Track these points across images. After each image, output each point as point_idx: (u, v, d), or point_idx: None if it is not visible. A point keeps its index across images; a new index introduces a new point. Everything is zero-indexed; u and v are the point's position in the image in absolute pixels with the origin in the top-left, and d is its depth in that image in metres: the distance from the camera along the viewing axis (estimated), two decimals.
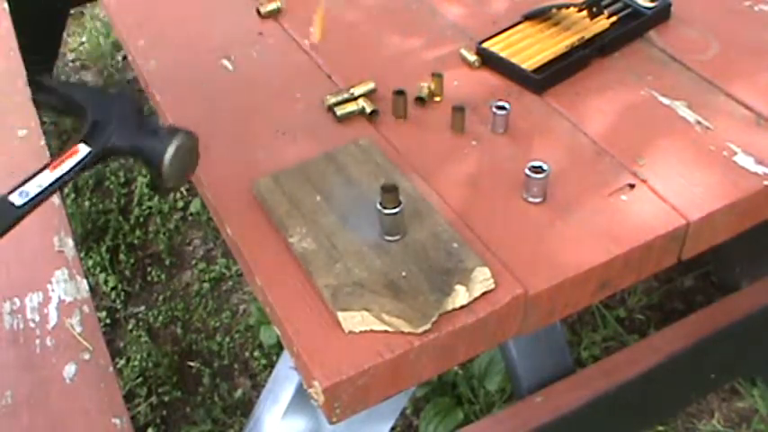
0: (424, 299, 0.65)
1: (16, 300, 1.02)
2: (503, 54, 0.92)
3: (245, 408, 1.61)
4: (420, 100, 0.88)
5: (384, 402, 0.67)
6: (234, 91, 0.94)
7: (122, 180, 2.13)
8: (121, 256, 1.94)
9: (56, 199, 1.19)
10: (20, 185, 0.67)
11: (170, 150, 0.64)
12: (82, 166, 0.68)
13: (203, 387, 1.67)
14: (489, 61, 0.93)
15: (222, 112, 0.92)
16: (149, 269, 1.91)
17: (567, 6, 0.96)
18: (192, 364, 1.71)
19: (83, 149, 0.69)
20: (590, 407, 1.05)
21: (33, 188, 0.68)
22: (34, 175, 0.68)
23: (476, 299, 0.66)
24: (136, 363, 1.70)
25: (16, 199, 0.67)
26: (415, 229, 0.71)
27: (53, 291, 1.02)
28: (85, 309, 1.01)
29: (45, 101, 0.92)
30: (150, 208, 2.04)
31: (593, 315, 1.66)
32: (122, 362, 1.70)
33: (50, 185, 0.68)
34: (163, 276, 1.90)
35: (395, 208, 0.69)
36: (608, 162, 0.80)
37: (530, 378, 1.12)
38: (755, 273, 1.41)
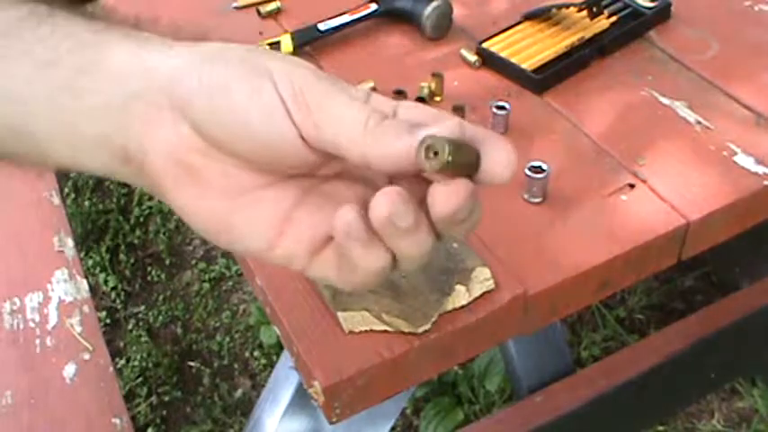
0: (424, 299, 0.65)
1: (16, 300, 1.02)
2: (503, 54, 0.92)
3: (245, 408, 1.61)
4: (421, 100, 0.88)
5: (384, 402, 0.67)
6: None
7: None
8: (121, 256, 1.94)
9: (56, 199, 1.19)
10: (325, 20, 0.97)
11: (429, 8, 0.96)
12: (370, 16, 0.99)
13: (203, 387, 1.67)
14: (489, 61, 0.93)
15: None
16: (149, 269, 1.91)
17: (567, 6, 0.96)
18: (192, 364, 1.71)
19: (373, 6, 0.99)
20: (590, 407, 1.05)
21: (334, 22, 0.97)
22: (336, 15, 0.97)
23: (476, 299, 0.66)
24: (136, 363, 1.70)
25: (321, 26, 0.97)
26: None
27: (53, 291, 1.03)
28: (85, 309, 1.01)
29: None
30: (150, 208, 2.04)
31: (593, 315, 1.66)
32: (122, 362, 1.70)
33: (346, 23, 0.97)
34: (163, 276, 1.90)
35: None
36: (608, 162, 0.80)
37: (530, 378, 1.12)
38: (755, 273, 1.41)
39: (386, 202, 0.36)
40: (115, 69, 0.40)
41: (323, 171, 0.41)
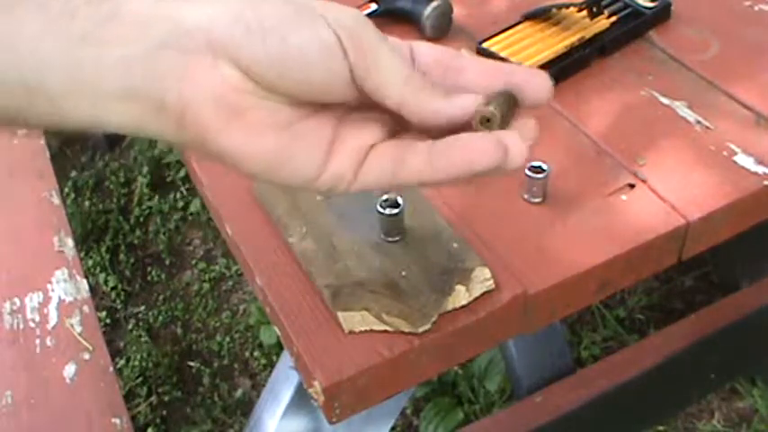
0: (425, 299, 0.65)
1: (16, 300, 1.02)
2: (503, 54, 0.92)
3: (245, 408, 1.61)
4: None
5: (384, 402, 0.67)
6: None
7: (122, 180, 2.13)
8: (121, 256, 1.94)
9: (56, 199, 1.19)
10: None
11: (429, 8, 0.95)
12: (370, 16, 0.93)
13: (203, 387, 1.67)
14: None
15: None
16: (149, 269, 1.91)
17: (567, 6, 0.96)
18: (192, 364, 1.72)
19: (373, 6, 0.98)
20: (590, 407, 1.05)
21: None
22: None
23: (476, 299, 0.66)
24: (136, 363, 1.70)
25: None
26: (414, 229, 0.71)
27: (53, 291, 1.02)
28: (85, 309, 1.01)
29: None
30: (150, 208, 2.04)
31: (593, 315, 1.66)
32: (122, 362, 1.70)
33: None
34: (163, 276, 1.90)
35: (395, 209, 0.69)
36: (608, 162, 0.80)
37: (530, 378, 1.12)
38: (755, 273, 1.41)
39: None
40: (136, 19, 0.39)
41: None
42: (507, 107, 0.42)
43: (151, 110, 0.40)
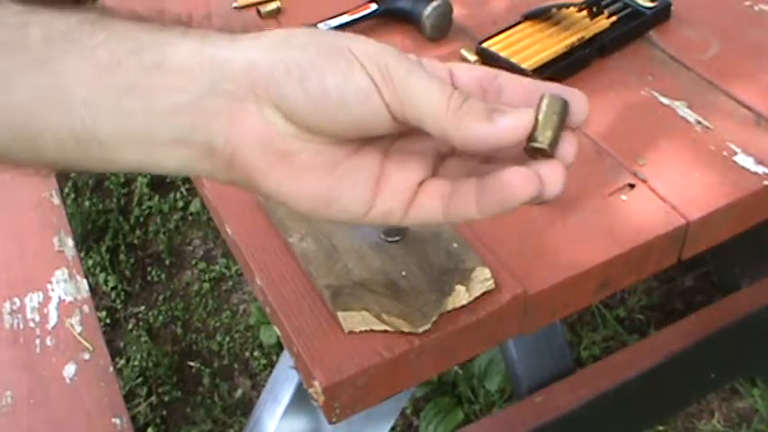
0: (424, 299, 0.65)
1: (16, 300, 1.02)
2: (503, 54, 0.92)
3: (245, 408, 1.61)
4: None
5: (384, 402, 0.67)
6: None
7: (122, 180, 2.13)
8: (121, 256, 1.94)
9: (56, 199, 1.19)
10: (325, 20, 0.96)
11: (429, 8, 0.95)
12: (370, 16, 0.98)
13: (203, 387, 1.67)
14: (489, 61, 0.93)
15: None
16: (149, 269, 1.91)
17: (567, 6, 0.96)
18: (192, 364, 1.72)
19: (373, 6, 0.99)
20: (590, 407, 1.05)
21: (334, 22, 0.97)
22: (336, 15, 0.97)
23: (476, 299, 0.66)
24: (136, 363, 1.70)
25: (321, 26, 0.95)
26: (415, 229, 0.71)
27: (53, 291, 1.02)
28: (85, 309, 1.01)
29: None
30: (150, 208, 2.04)
31: (593, 315, 1.66)
32: (122, 362, 1.70)
33: (346, 23, 0.96)
34: (163, 276, 1.90)
35: None
36: (608, 162, 0.80)
37: (530, 378, 1.12)
38: (755, 273, 1.41)
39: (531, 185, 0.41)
40: (181, 67, 0.40)
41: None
42: (558, 124, 0.41)
43: (201, 154, 0.41)
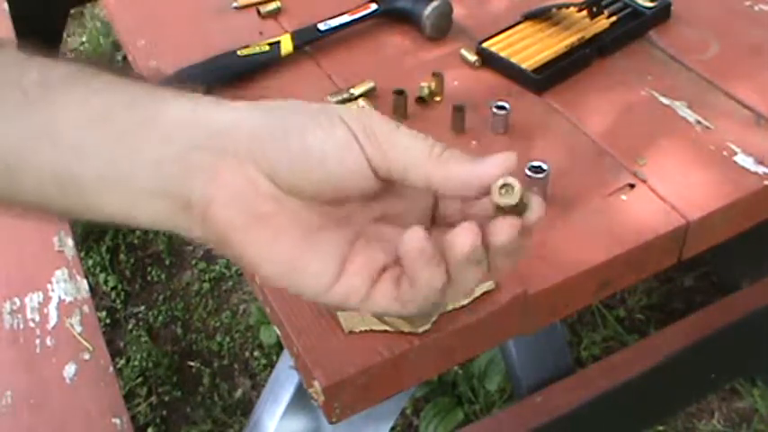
0: None
1: (16, 300, 1.02)
2: (503, 54, 0.92)
3: (245, 408, 1.61)
4: (421, 100, 0.88)
5: (384, 402, 0.67)
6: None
7: None
8: (121, 256, 1.94)
9: None
10: (325, 20, 0.97)
11: (429, 8, 0.96)
12: (370, 16, 0.99)
13: (203, 387, 1.67)
14: (489, 61, 0.93)
15: None
16: (149, 269, 1.91)
17: (567, 6, 0.96)
18: (192, 364, 1.71)
19: (373, 6, 0.99)
20: (590, 407, 1.05)
21: (334, 22, 0.97)
22: (336, 15, 0.98)
23: (476, 299, 0.66)
24: (136, 363, 1.70)
25: (321, 26, 0.97)
26: None
27: (53, 291, 1.02)
28: (85, 309, 1.01)
29: None
30: None
31: (593, 315, 1.66)
32: (122, 362, 1.70)
33: (346, 23, 0.98)
34: (163, 276, 1.90)
35: None
36: (608, 162, 0.80)
37: (530, 378, 1.12)
38: (755, 273, 1.41)
39: (470, 236, 0.40)
40: (172, 123, 0.41)
41: (369, 214, 0.44)
42: (525, 197, 0.41)
43: (178, 208, 0.42)
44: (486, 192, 0.40)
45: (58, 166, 0.41)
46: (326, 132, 0.41)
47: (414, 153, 0.41)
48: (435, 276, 0.40)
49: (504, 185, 0.40)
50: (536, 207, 0.41)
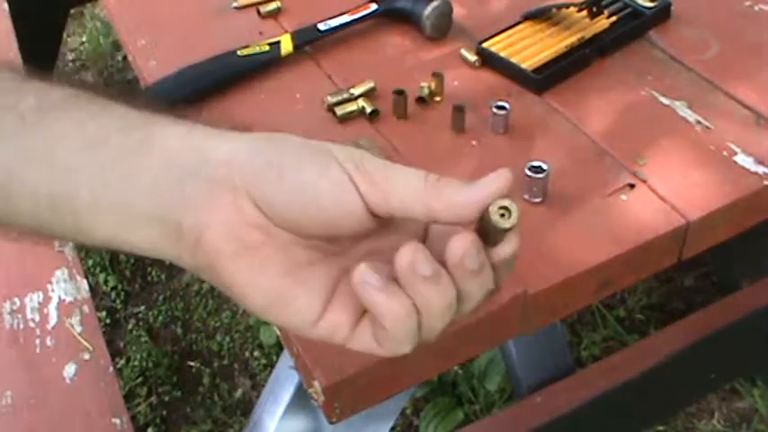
0: None
1: (16, 300, 1.02)
2: (503, 54, 0.92)
3: (245, 408, 1.61)
4: (421, 100, 0.88)
5: (384, 402, 0.67)
6: None
7: None
8: (121, 256, 1.94)
9: None
10: (325, 20, 0.98)
11: (428, 8, 0.96)
12: (370, 16, 0.99)
13: (203, 387, 1.67)
14: (489, 61, 0.93)
15: None
16: (149, 269, 1.91)
17: (567, 6, 0.96)
18: (192, 363, 1.71)
19: (373, 6, 0.99)
20: (590, 407, 1.05)
21: (334, 22, 0.98)
22: (336, 15, 0.98)
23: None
24: (136, 363, 1.70)
25: (321, 26, 0.97)
26: None
27: (53, 291, 1.02)
28: (85, 309, 1.01)
29: None
30: None
31: (593, 315, 1.66)
32: (122, 362, 1.70)
33: (346, 23, 0.98)
34: (163, 276, 1.90)
35: None
36: (608, 162, 0.80)
37: (530, 378, 1.12)
38: (755, 273, 1.41)
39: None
40: (168, 149, 0.41)
41: (359, 249, 0.44)
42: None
43: (170, 234, 0.42)
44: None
45: (53, 189, 0.42)
46: (322, 170, 0.41)
47: (411, 187, 0.41)
48: (393, 304, 0.40)
49: (501, 207, 0.40)
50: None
